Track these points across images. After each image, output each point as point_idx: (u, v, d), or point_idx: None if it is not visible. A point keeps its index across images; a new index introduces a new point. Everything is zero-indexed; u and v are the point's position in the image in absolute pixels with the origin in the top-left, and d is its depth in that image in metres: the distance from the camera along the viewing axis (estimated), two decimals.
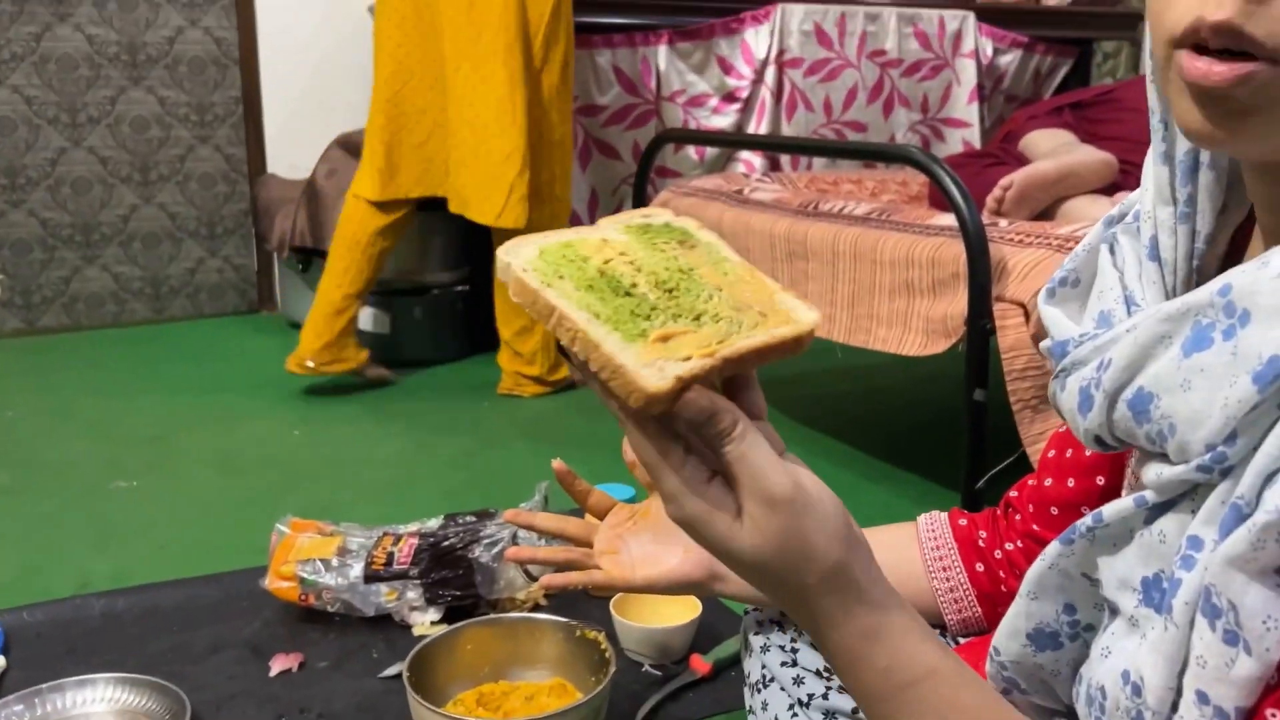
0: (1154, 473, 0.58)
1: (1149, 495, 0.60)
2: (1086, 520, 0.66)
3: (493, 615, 1.42)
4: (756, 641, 1.09)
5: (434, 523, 1.59)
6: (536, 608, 1.53)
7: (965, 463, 1.55)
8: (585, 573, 1.07)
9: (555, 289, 0.54)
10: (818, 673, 1.02)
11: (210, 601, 1.61)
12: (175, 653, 1.45)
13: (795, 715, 0.99)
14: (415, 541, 1.54)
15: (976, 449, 1.55)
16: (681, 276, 0.57)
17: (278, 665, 1.42)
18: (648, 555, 1.05)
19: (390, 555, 1.52)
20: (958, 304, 1.58)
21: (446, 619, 1.51)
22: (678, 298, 0.55)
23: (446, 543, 1.52)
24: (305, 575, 1.51)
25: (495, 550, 1.51)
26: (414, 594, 1.51)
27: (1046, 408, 1.47)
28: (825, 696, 0.99)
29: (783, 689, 1.03)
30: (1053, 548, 0.69)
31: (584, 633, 1.29)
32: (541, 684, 1.26)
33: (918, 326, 1.63)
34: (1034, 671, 0.74)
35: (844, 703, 0.98)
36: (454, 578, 1.51)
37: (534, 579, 1.50)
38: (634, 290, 0.55)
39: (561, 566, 1.09)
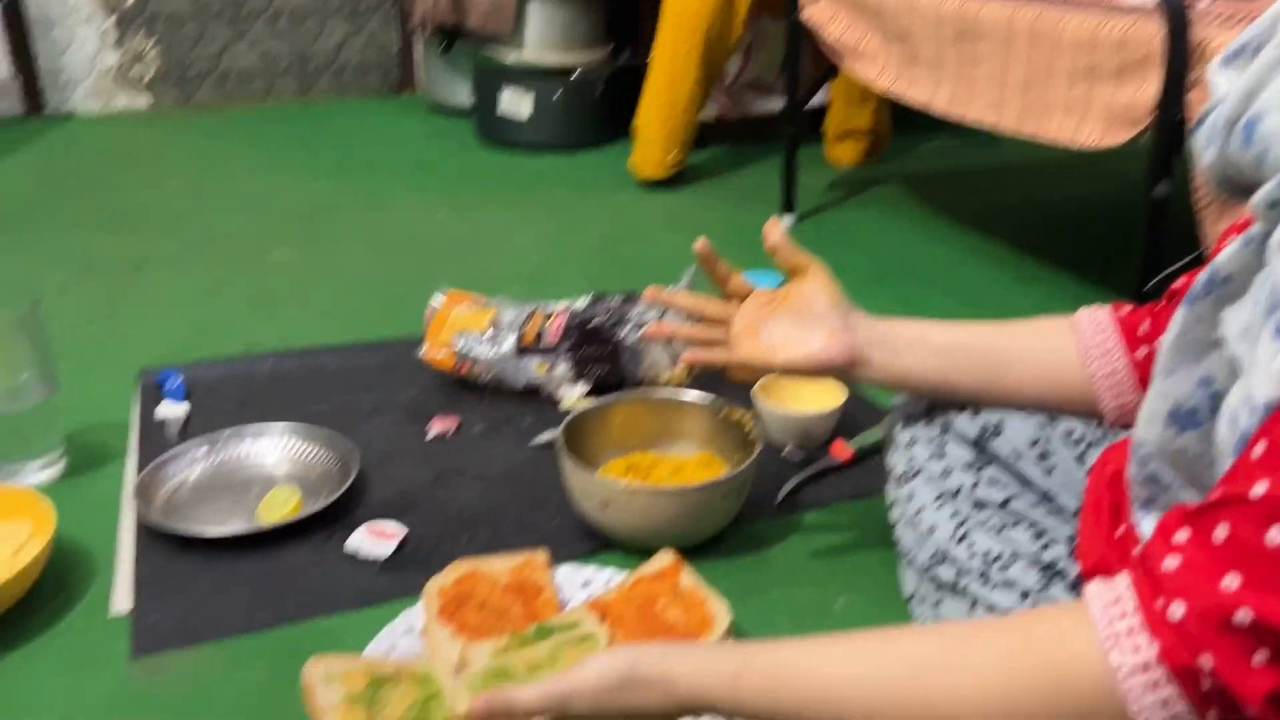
0: (1258, 196, 0.58)
1: (1255, 228, 0.61)
2: (1204, 274, 0.65)
3: (643, 391, 1.45)
4: (903, 436, 1.09)
5: (582, 302, 1.61)
6: None
7: (1139, 264, 1.47)
8: (725, 349, 1.07)
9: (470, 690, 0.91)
10: (966, 465, 1.02)
11: (371, 367, 1.68)
12: (339, 412, 1.53)
13: (941, 506, 0.99)
14: (565, 319, 1.57)
15: (1153, 249, 1.46)
16: (549, 662, 0.95)
17: (435, 428, 1.49)
18: (788, 338, 1.04)
19: (541, 331, 1.56)
20: (1145, 91, 1.46)
21: (593, 394, 1.55)
22: (536, 671, 0.93)
23: (594, 322, 1.55)
24: (460, 346, 1.56)
25: (641, 331, 1.52)
26: (563, 369, 1.55)
27: (1232, 205, 1.37)
28: (975, 487, 0.99)
29: (929, 481, 1.03)
30: (1180, 314, 0.67)
31: (730, 413, 1.30)
32: (688, 458, 1.29)
33: (1098, 115, 1.52)
34: (1177, 457, 0.71)
35: (993, 494, 0.97)
36: (601, 356, 1.54)
37: (678, 360, 1.52)
38: (511, 671, 0.93)
39: (701, 345, 1.09)
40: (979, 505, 0.97)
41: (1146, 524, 0.77)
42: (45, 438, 1.37)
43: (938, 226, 2.43)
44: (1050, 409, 0.99)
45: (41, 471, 1.37)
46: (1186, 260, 1.41)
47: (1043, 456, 0.98)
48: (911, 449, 1.06)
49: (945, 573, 0.96)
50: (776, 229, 1.04)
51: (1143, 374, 0.90)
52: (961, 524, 0.96)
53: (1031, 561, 0.91)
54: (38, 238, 2.36)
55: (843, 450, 1.39)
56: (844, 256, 2.21)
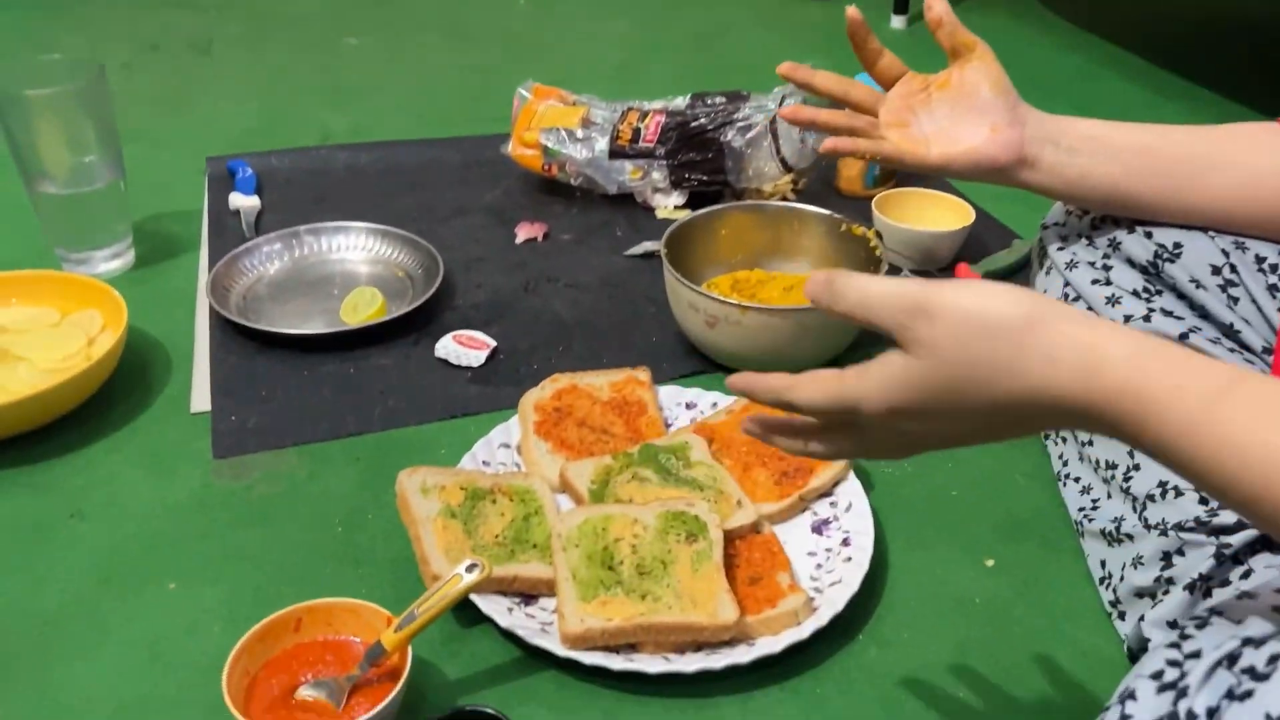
0: None
1: None
2: None
3: (752, 201, 1.32)
4: (1060, 256, 0.96)
5: (681, 101, 1.47)
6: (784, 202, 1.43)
7: None
8: (873, 141, 0.94)
9: (566, 552, 0.84)
10: (1136, 293, 0.90)
11: (452, 164, 1.57)
12: (421, 212, 1.44)
13: None
14: (662, 119, 1.43)
15: None
16: (658, 566, 0.83)
17: (523, 233, 1.39)
18: (943, 131, 0.91)
19: (636, 131, 1.43)
20: None
21: (690, 204, 1.44)
22: (643, 579, 0.82)
23: (695, 123, 1.41)
24: (549, 144, 1.43)
25: (749, 135, 1.38)
26: (659, 174, 1.43)
27: None
28: (1147, 318, 0.87)
29: (1091, 309, 0.91)
30: None
31: (850, 228, 1.18)
32: (801, 276, 1.19)
33: None
34: None
35: (1168, 326, 0.86)
36: (702, 161, 1.41)
37: (789, 169, 1.39)
38: (616, 567, 0.83)
39: (845, 133, 0.97)
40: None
41: None
42: (114, 225, 1.29)
43: (1069, 34, 2.20)
44: (1241, 229, 0.86)
45: (111, 261, 1.30)
46: None
47: (1227, 285, 0.86)
48: (1071, 272, 0.94)
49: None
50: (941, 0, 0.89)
51: None
52: None
53: None
54: (100, 14, 2.23)
55: (968, 274, 1.27)
56: None
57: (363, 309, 1.18)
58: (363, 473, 0.99)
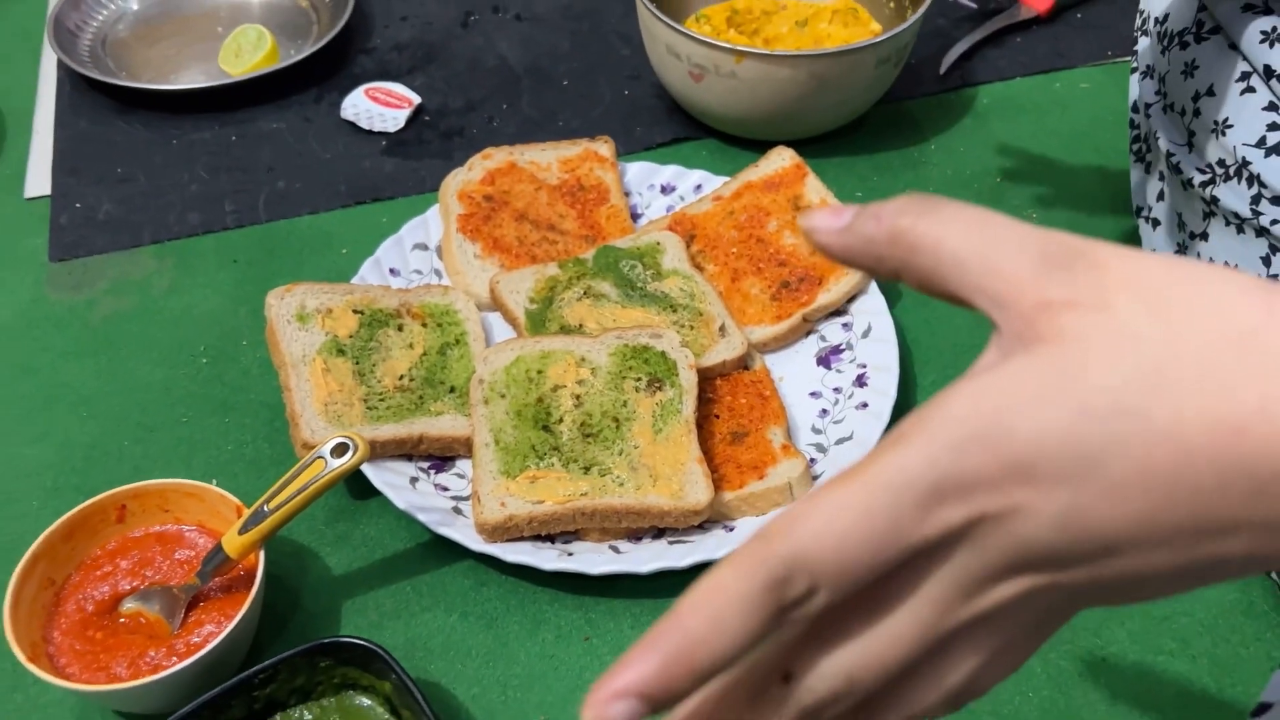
0: None
1: None
2: None
3: None
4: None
5: None
6: None
7: None
8: None
9: (489, 406, 0.63)
10: None
11: None
12: None
13: (1246, 90, 0.62)
14: None
15: None
16: (609, 425, 0.63)
17: None
18: None
19: None
20: None
21: None
22: (588, 444, 0.62)
23: None
24: None
25: None
26: None
27: None
28: None
29: (1221, 47, 0.64)
30: None
31: None
32: (823, 5, 0.90)
33: None
34: None
35: None
36: None
37: None
38: (553, 427, 0.63)
39: None
40: None
41: None
42: None
43: None
44: None
45: None
46: None
47: None
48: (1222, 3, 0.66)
49: (1233, 196, 0.61)
50: None
51: None
52: None
53: None
54: None
55: None
56: None
57: (247, 54, 0.91)
58: (239, 280, 0.77)
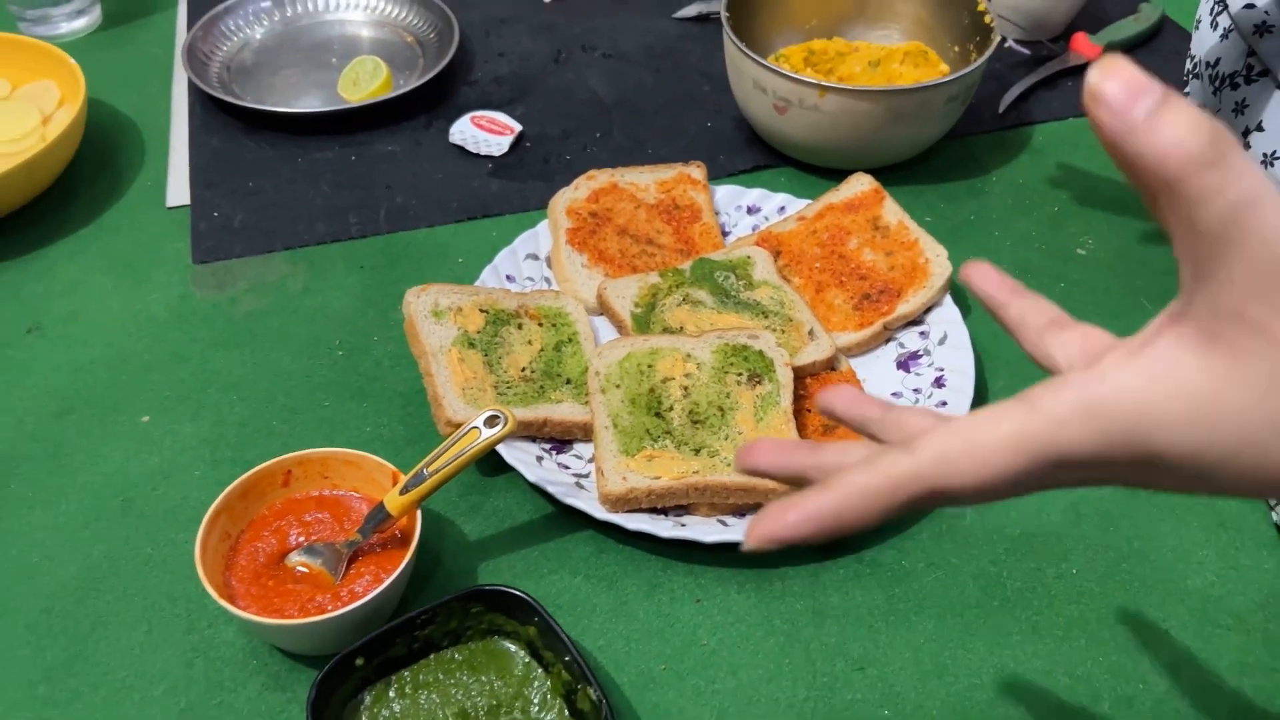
0: None
1: None
2: None
3: None
4: (1247, 15, 0.75)
5: None
6: None
7: None
8: None
9: (605, 395, 0.70)
10: None
11: None
12: None
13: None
14: None
15: None
16: (715, 413, 0.69)
17: None
18: None
19: None
20: None
21: None
22: (697, 429, 0.69)
23: None
24: None
25: None
26: None
27: None
28: None
29: None
30: None
31: None
32: (893, 47, 0.98)
33: None
34: None
35: None
36: None
37: None
38: (665, 414, 0.69)
39: None
40: None
41: None
42: None
43: None
44: None
45: (74, 20, 1.11)
46: None
47: None
48: (1261, 40, 0.73)
49: None
50: None
51: None
52: None
53: None
54: None
55: (1088, 47, 1.05)
56: None
57: (364, 83, 1.00)
58: (366, 284, 0.85)
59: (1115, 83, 0.27)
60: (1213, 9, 0.80)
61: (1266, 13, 0.73)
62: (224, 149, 0.96)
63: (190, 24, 1.08)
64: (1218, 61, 0.77)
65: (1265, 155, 0.70)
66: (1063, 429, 0.29)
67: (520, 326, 0.76)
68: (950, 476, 0.31)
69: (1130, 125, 0.27)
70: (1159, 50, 1.08)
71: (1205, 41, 0.80)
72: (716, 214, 0.87)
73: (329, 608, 0.60)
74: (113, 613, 0.64)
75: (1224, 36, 0.78)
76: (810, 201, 0.86)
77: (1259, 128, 0.71)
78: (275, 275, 0.85)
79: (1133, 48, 1.08)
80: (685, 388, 0.71)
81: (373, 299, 0.83)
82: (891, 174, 0.93)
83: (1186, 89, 0.82)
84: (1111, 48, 1.06)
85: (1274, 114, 0.71)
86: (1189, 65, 0.82)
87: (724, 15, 0.92)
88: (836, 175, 0.89)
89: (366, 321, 0.81)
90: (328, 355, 0.79)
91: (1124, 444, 0.29)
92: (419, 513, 0.62)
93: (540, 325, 0.76)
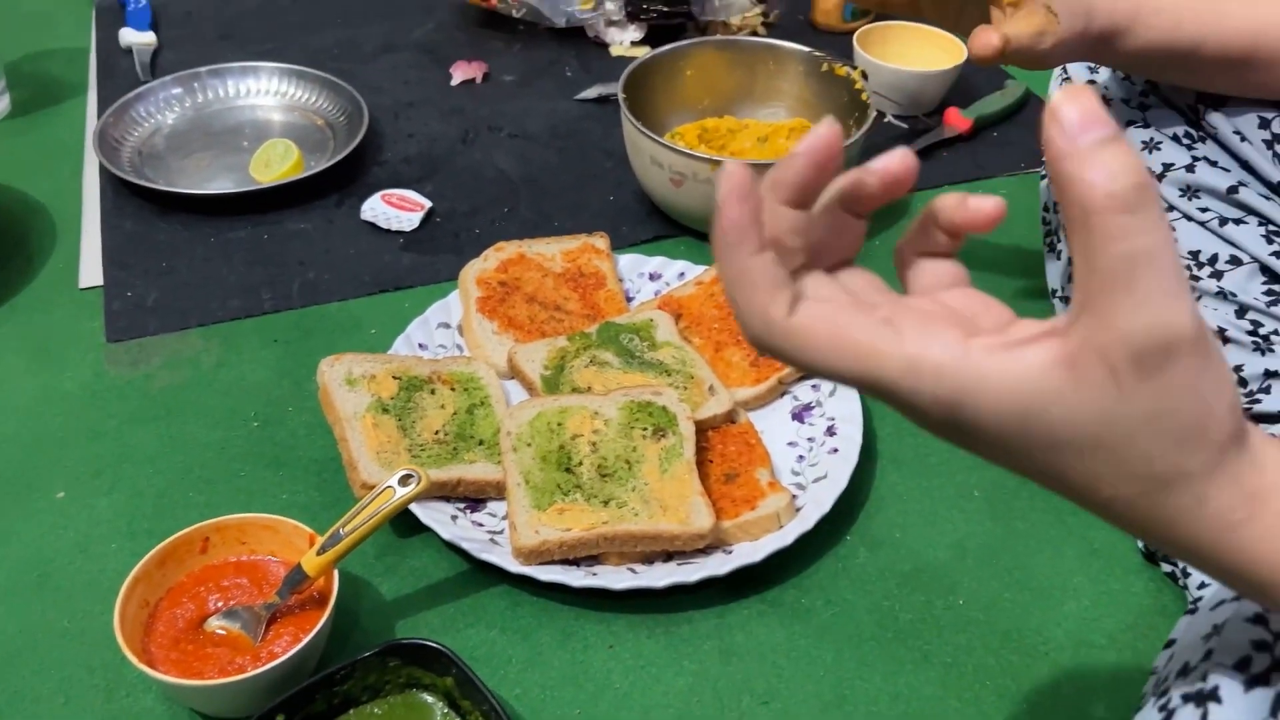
0: None
1: None
2: None
3: (720, 37, 1.17)
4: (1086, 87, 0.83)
5: None
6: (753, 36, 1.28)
7: None
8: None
9: (517, 453, 0.73)
10: (1176, 139, 0.78)
11: None
12: (342, 49, 1.27)
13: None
14: None
15: None
16: (622, 466, 0.73)
17: (459, 74, 1.23)
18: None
19: None
20: None
21: (649, 40, 1.28)
22: (606, 482, 0.72)
23: None
24: None
25: None
26: (614, 5, 1.26)
27: None
28: (1191, 168, 0.76)
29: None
30: None
31: (833, 67, 1.04)
32: (779, 123, 1.05)
33: None
34: None
35: (1214, 178, 0.75)
36: None
37: (757, 1, 1.23)
38: (575, 469, 0.73)
39: None
40: (1191, 192, 0.75)
41: None
42: None
43: None
44: None
45: None
46: None
47: (1274, 141, 0.74)
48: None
49: None
50: None
51: None
52: (1164, 211, 0.74)
53: (1259, 270, 0.71)
54: None
55: (959, 120, 1.14)
56: None
57: (276, 164, 1.03)
58: (280, 357, 0.87)
59: (1074, 109, 0.30)
60: (1060, 84, 0.88)
61: (1106, 87, 0.82)
62: (137, 231, 0.98)
63: (101, 111, 1.10)
64: None
65: None
66: (909, 372, 0.34)
67: (433, 392, 0.79)
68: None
69: (1073, 149, 0.30)
70: (1024, 122, 1.18)
71: None
72: (620, 281, 0.92)
73: (248, 669, 0.61)
74: (29, 687, 0.64)
75: None
76: (708, 267, 0.92)
77: None
78: (190, 351, 0.87)
79: (1000, 120, 1.17)
80: (593, 443, 0.74)
81: (287, 370, 0.85)
82: None
83: (1043, 158, 0.90)
84: (981, 120, 1.15)
85: None
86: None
87: (621, 97, 0.98)
88: None
89: (282, 393, 0.83)
90: (243, 427, 0.81)
91: (949, 407, 0.34)
92: (336, 573, 0.64)
93: (453, 390, 0.79)
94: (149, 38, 1.25)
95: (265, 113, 1.14)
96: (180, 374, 0.85)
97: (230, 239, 0.98)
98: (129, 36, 1.24)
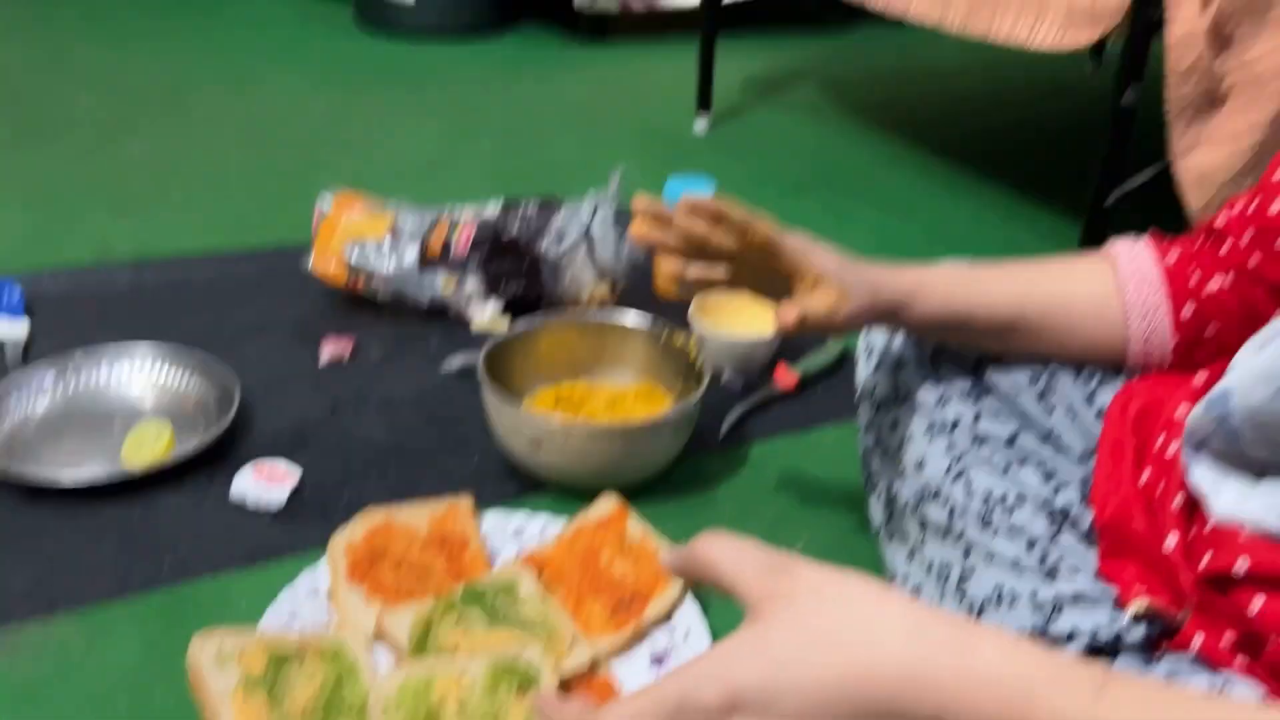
0: None
1: None
2: None
3: (572, 312, 1.29)
4: (885, 354, 0.97)
5: (493, 210, 1.43)
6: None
7: (1096, 177, 1.38)
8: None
9: (386, 717, 0.77)
10: (965, 394, 0.91)
11: (248, 279, 1.48)
12: (213, 332, 1.33)
13: (934, 439, 0.88)
14: (474, 229, 1.39)
15: (1115, 160, 1.37)
16: (485, 642, 0.84)
17: (328, 351, 1.31)
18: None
19: (448, 242, 1.38)
20: None
21: (508, 310, 1.39)
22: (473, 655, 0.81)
23: (508, 236, 1.38)
24: (354, 261, 1.37)
25: (564, 246, 1.36)
26: (473, 285, 1.38)
27: (1205, 114, 1.29)
28: (976, 420, 0.88)
29: (921, 409, 0.92)
30: None
31: (673, 337, 1.17)
32: (626, 388, 1.16)
33: (1058, 12, 1.40)
34: (1270, 420, 0.63)
35: (997, 428, 0.87)
36: (517, 270, 1.37)
37: (604, 277, 1.37)
38: (443, 652, 0.82)
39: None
40: (980, 440, 0.87)
41: (1200, 470, 0.69)
42: None
43: (862, 131, 2.31)
44: (1073, 361, 0.89)
45: None
46: (1147, 175, 1.33)
47: (1044, 394, 0.88)
48: (900, 373, 0.94)
49: (936, 513, 0.86)
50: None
51: (1185, 336, 0.82)
52: (959, 459, 0.86)
53: (1040, 505, 0.82)
54: None
55: (787, 377, 1.27)
56: (765, 162, 2.08)
57: (148, 446, 1.07)
58: (151, 637, 0.88)
59: (663, 553, 0.50)
60: (866, 348, 1.02)
61: (903, 352, 0.95)
62: (2, 517, 1.00)
63: None
64: (874, 388, 0.98)
65: (918, 462, 0.89)
66: (687, 678, 0.47)
67: (302, 663, 0.81)
68: None
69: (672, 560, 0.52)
70: (845, 377, 1.32)
71: (863, 372, 1.01)
72: (484, 540, 0.98)
73: None
74: None
75: (875, 368, 0.99)
76: (567, 521, 0.99)
77: (910, 439, 0.91)
78: (57, 637, 0.88)
79: (824, 375, 1.31)
80: (461, 704, 0.78)
81: (157, 650, 0.87)
82: (637, 492, 1.07)
83: (858, 409, 1.02)
84: (807, 374, 1.28)
85: (918, 424, 0.90)
86: (858, 393, 1.03)
87: (482, 371, 1.07)
88: (588, 496, 1.02)
89: (151, 675, 0.85)
90: (112, 714, 0.81)
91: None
92: None
93: (321, 661, 0.82)
94: (22, 326, 1.29)
95: (139, 395, 1.18)
96: (47, 663, 0.85)
97: (101, 519, 1.00)
98: (1, 329, 1.29)
